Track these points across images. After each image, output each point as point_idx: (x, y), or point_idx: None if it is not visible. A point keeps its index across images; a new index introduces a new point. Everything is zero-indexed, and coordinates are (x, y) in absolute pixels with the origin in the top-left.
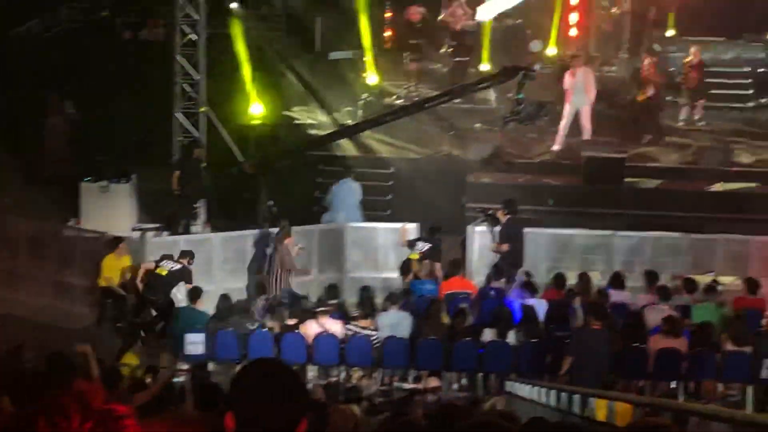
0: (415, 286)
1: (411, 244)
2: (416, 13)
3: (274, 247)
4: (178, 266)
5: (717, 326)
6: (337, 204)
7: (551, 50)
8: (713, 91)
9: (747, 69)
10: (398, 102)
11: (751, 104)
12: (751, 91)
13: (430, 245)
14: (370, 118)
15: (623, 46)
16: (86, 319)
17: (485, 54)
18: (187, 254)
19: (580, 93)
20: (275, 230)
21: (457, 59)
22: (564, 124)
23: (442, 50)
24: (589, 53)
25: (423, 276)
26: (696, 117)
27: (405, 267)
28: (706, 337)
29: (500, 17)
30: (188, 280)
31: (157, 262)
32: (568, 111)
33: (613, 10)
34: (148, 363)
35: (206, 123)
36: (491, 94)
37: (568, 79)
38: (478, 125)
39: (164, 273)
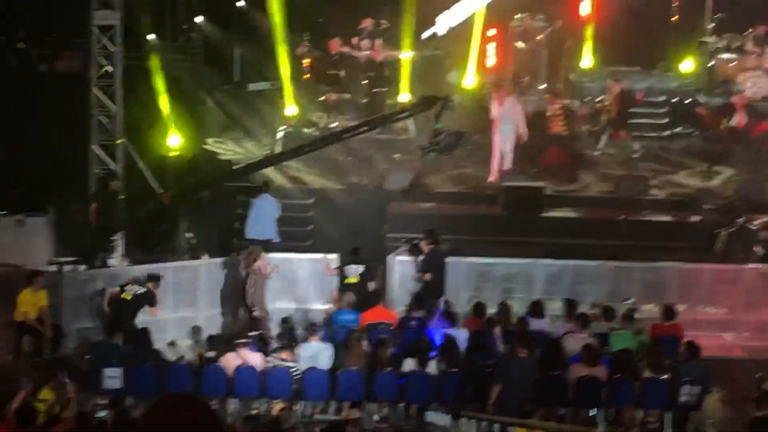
0: (336, 317)
1: (342, 271)
2: (336, 44)
3: (246, 272)
4: (142, 290)
5: (635, 353)
6: (254, 218)
7: (469, 81)
8: (630, 121)
9: (662, 98)
10: (317, 133)
11: (666, 133)
12: (666, 120)
13: (364, 266)
14: (290, 149)
15: (541, 76)
16: (2, 354)
17: (404, 85)
18: (154, 278)
19: (507, 122)
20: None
21: (376, 90)
22: (496, 153)
23: (361, 81)
24: (515, 81)
25: (345, 305)
26: (635, 148)
27: (343, 293)
28: (625, 364)
29: (419, 48)
30: (152, 304)
31: (123, 287)
32: (498, 140)
33: (538, 37)
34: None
35: (123, 155)
36: (410, 125)
37: (495, 109)
38: (397, 156)
39: (129, 297)
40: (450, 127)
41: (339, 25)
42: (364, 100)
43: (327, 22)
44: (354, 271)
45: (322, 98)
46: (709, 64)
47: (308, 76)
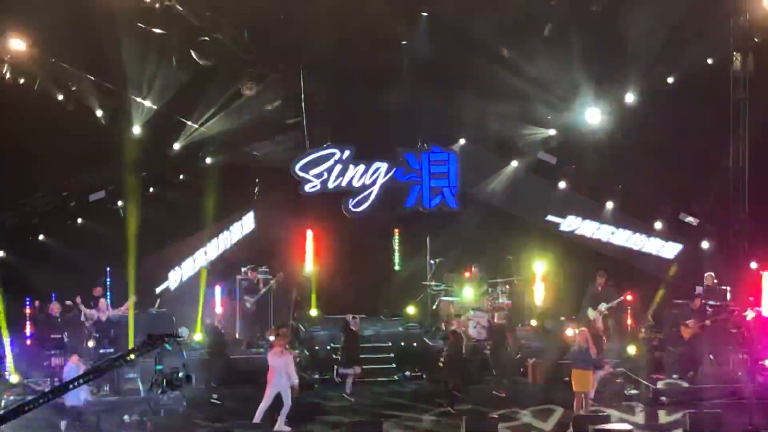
0: None
1: None
2: (56, 307)
3: None
4: None
5: None
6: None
7: (199, 336)
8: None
9: (389, 344)
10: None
11: (395, 377)
12: (393, 365)
13: None
14: (8, 410)
15: (269, 327)
16: None
17: (132, 342)
18: None
19: (281, 375)
20: None
21: (102, 351)
22: (263, 406)
23: (87, 342)
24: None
25: None
26: (347, 391)
27: None
28: None
29: (143, 306)
30: None
31: None
32: (269, 393)
33: (263, 290)
34: None
35: None
36: (140, 385)
37: (270, 359)
38: (126, 417)
39: None
40: (173, 366)
41: (64, 289)
42: (90, 363)
43: (46, 287)
44: None
45: (46, 363)
46: (433, 307)
47: (30, 342)
